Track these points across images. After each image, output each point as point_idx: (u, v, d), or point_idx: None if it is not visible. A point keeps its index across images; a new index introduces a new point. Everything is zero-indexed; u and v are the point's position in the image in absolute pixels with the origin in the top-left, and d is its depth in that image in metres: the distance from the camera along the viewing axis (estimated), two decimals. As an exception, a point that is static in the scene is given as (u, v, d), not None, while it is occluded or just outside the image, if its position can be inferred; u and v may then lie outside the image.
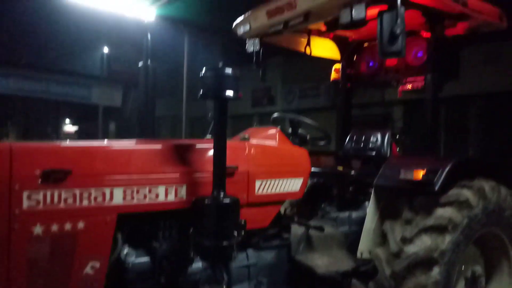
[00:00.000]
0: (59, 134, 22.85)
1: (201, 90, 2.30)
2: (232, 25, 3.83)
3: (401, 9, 2.63)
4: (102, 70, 18.11)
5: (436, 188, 2.82)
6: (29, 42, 13.98)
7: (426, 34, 3.59)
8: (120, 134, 21.47)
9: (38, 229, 2.02)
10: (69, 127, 24.09)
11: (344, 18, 2.80)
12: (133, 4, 8.70)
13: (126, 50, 16.21)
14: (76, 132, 23.88)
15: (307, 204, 3.82)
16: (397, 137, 4.36)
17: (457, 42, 3.56)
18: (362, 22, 2.76)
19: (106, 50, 17.76)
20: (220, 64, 2.28)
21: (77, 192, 2.12)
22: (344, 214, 3.63)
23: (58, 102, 19.52)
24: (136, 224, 2.43)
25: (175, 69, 13.20)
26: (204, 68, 2.29)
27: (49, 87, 17.81)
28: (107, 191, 2.21)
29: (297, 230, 3.27)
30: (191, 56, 11.62)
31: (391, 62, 3.89)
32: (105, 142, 2.47)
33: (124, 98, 19.42)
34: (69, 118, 23.72)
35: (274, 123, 3.50)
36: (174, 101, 18.14)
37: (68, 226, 2.10)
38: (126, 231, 2.38)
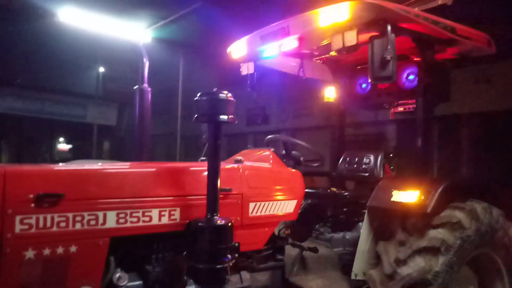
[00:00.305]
0: (53, 153, 22.74)
1: (196, 114, 2.34)
2: (227, 47, 3.90)
3: (392, 36, 2.71)
4: (97, 89, 18.18)
5: (429, 209, 2.85)
6: (25, 62, 14.05)
7: (417, 58, 3.67)
8: (115, 153, 21.41)
9: (30, 253, 2.01)
10: (63, 146, 24.00)
11: (336, 44, 2.86)
12: (130, 27, 8.85)
13: (122, 70, 16.32)
14: (70, 150, 23.78)
15: (301, 225, 3.82)
16: (391, 156, 4.40)
17: (447, 67, 3.63)
18: (354, 48, 2.82)
19: (101, 69, 17.87)
20: (215, 89, 2.32)
21: (70, 216, 2.12)
22: (338, 235, 3.64)
23: (53, 121, 19.49)
24: (129, 247, 2.41)
25: (171, 88, 13.29)
26: (199, 93, 2.33)
27: (44, 106, 17.80)
28: (100, 215, 2.21)
29: (291, 251, 3.26)
30: (186, 76, 11.74)
31: (383, 85, 3.95)
32: (99, 165, 2.47)
33: (119, 117, 19.44)
34: (63, 136, 23.66)
35: (268, 145, 3.52)
36: (169, 119, 18.19)
37: (60, 250, 2.09)
38: (119, 255, 2.36)
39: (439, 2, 6.33)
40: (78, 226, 2.14)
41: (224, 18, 8.65)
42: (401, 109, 4.12)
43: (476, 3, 6.55)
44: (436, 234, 2.83)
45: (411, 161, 3.45)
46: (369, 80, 2.81)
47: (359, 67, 4.31)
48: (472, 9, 6.69)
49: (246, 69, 3.76)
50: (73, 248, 2.12)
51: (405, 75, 3.78)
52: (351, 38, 2.80)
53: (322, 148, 3.85)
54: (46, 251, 2.05)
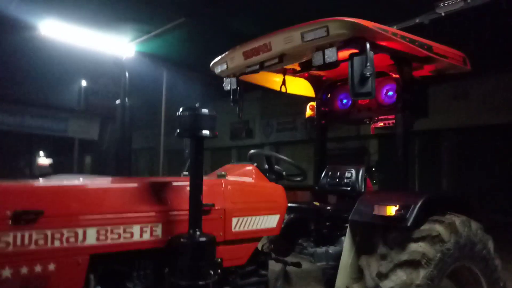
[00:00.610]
0: (32, 167, 22.20)
1: (178, 129, 2.34)
2: (210, 62, 3.93)
3: (370, 53, 2.78)
4: (79, 103, 17.93)
5: (409, 223, 2.89)
6: (4, 75, 13.80)
7: (395, 75, 3.76)
8: (96, 167, 21.05)
9: (6, 272, 1.95)
10: (43, 160, 23.49)
11: (317, 60, 2.92)
12: (113, 41, 8.84)
13: (104, 83, 16.18)
14: (50, 165, 23.27)
15: (284, 240, 3.82)
16: (373, 170, 4.46)
17: (425, 83, 3.73)
18: (334, 65, 2.88)
19: (84, 83, 17.68)
20: (197, 104, 2.33)
21: (49, 233, 2.08)
22: (321, 250, 3.64)
23: (32, 135, 19.11)
24: (110, 264, 2.37)
25: (153, 102, 13.24)
26: (181, 108, 2.34)
27: (24, 120, 17.47)
28: (80, 232, 2.17)
29: (274, 266, 3.25)
30: (170, 90, 11.73)
31: (363, 101, 4.04)
32: (79, 181, 2.44)
33: (101, 131, 19.19)
34: (43, 151, 23.17)
35: (251, 159, 3.54)
36: (152, 133, 18.07)
37: (38, 268, 2.04)
38: (98, 272, 2.31)
39: (417, 21, 6.56)
40: (57, 243, 2.10)
41: (207, 33, 8.73)
42: (381, 124, 4.21)
43: (452, 22, 6.79)
44: (417, 248, 2.87)
45: (392, 175, 3.51)
46: (350, 96, 2.87)
47: (339, 83, 4.39)
48: (449, 28, 6.93)
49: (229, 84, 3.79)
50: (51, 266, 2.07)
51: (384, 91, 3.87)
52: (331, 55, 2.86)
53: (306, 162, 3.89)
54: (24, 270, 2.00)
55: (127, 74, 2.88)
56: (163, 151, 13.25)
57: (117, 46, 9.02)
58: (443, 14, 6.15)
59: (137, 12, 8.02)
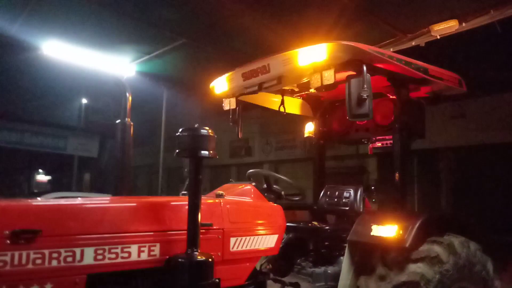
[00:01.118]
0: (31, 184, 22.12)
1: (177, 149, 2.37)
2: (210, 82, 3.98)
3: (367, 76, 2.83)
4: (79, 121, 18.01)
5: (407, 244, 2.89)
6: (6, 93, 13.90)
7: (392, 96, 3.81)
8: (95, 185, 20.98)
9: (3, 292, 1.95)
10: (41, 177, 23.42)
11: (315, 82, 2.97)
12: (114, 61, 8.96)
13: (104, 102, 16.28)
14: (49, 182, 23.20)
15: (283, 260, 3.80)
16: (372, 189, 4.46)
17: (422, 104, 3.78)
18: (332, 86, 2.93)
19: (84, 101, 17.81)
20: (196, 124, 2.37)
21: (46, 252, 2.08)
22: (320, 270, 3.62)
23: (31, 152, 19.12)
24: (107, 284, 2.35)
25: (153, 120, 13.32)
26: (180, 128, 2.37)
27: (23, 137, 17.53)
28: (78, 251, 2.17)
29: (273, 287, 3.24)
30: (170, 109, 11.82)
31: (361, 121, 4.07)
32: (78, 200, 2.45)
33: (101, 149, 19.22)
34: (42, 168, 23.13)
35: (250, 179, 3.55)
36: (151, 151, 18.09)
37: None
38: (96, 292, 2.31)
39: (413, 44, 6.67)
40: (54, 263, 2.10)
41: (207, 55, 8.85)
42: (379, 144, 4.23)
43: (449, 45, 6.91)
44: (416, 269, 2.86)
45: (391, 194, 3.52)
46: (348, 117, 2.91)
47: (337, 103, 4.44)
48: (445, 50, 7.05)
49: (228, 104, 3.83)
50: (48, 286, 2.07)
51: (382, 112, 3.91)
52: (329, 77, 2.91)
53: (305, 179, 3.90)
54: (20, 290, 1.99)
55: (127, 94, 2.91)
56: (162, 168, 13.25)
57: (118, 66, 9.15)
58: (438, 37, 6.27)
59: (138, 34, 8.15)
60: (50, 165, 22.11)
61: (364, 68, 2.84)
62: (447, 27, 6.09)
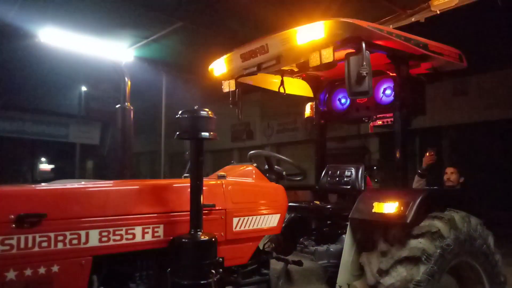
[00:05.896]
0: (34, 173, 22.27)
1: (178, 131, 2.38)
2: (208, 65, 3.96)
3: (366, 53, 2.81)
4: (79, 109, 18.00)
5: (408, 220, 2.92)
6: (6, 82, 13.85)
7: (392, 73, 3.79)
8: (98, 172, 21.11)
9: (11, 274, 1.99)
10: (45, 165, 23.57)
11: (314, 61, 2.95)
12: (112, 47, 8.89)
13: (104, 89, 16.24)
14: (52, 170, 23.34)
15: (286, 239, 3.85)
16: (374, 168, 4.47)
17: (422, 81, 3.76)
18: (331, 65, 2.91)
19: (84, 88, 17.76)
20: (196, 106, 2.37)
21: (52, 235, 2.11)
22: (322, 248, 3.67)
23: (34, 141, 19.18)
24: (112, 265, 2.40)
25: (154, 106, 13.29)
26: (180, 111, 2.37)
27: (25, 126, 17.54)
28: (83, 234, 2.21)
29: (276, 265, 3.28)
30: (170, 93, 11.78)
31: (361, 99, 4.06)
32: (81, 184, 2.48)
33: (102, 136, 19.25)
34: (45, 156, 23.25)
35: (251, 160, 3.57)
36: (153, 137, 18.13)
37: (42, 270, 2.07)
38: (102, 273, 2.35)
39: (413, 20, 6.59)
40: (60, 245, 2.13)
41: (205, 37, 8.78)
42: (379, 122, 4.23)
43: (449, 20, 6.82)
44: (417, 244, 2.90)
45: (393, 173, 3.53)
46: (348, 95, 2.90)
47: (337, 82, 4.41)
48: (445, 26, 6.96)
49: (228, 86, 3.82)
50: (55, 268, 2.11)
51: (382, 90, 3.89)
52: (328, 55, 2.89)
53: (307, 162, 3.91)
54: (28, 272, 2.03)
55: (126, 79, 2.91)
56: (164, 154, 13.29)
57: (116, 52, 9.08)
58: (438, 12, 6.18)
59: (135, 18, 8.08)
60: (53, 154, 22.23)
61: (363, 45, 2.82)
62: (447, 1, 6.00)
